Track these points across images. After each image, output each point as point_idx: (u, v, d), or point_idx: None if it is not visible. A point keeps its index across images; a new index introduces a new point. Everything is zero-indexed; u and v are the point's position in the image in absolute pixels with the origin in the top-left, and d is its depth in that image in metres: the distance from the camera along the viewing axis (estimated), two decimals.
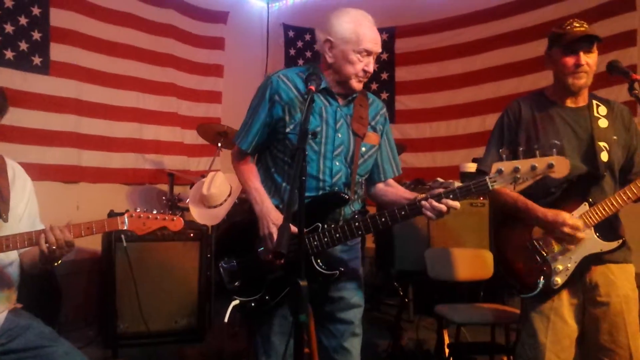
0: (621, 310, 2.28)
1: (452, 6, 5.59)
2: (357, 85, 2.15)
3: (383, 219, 2.04)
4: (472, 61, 5.48)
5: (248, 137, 2.22)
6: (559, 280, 2.27)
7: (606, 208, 2.26)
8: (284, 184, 2.17)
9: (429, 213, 2.00)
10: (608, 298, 2.29)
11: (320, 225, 2.08)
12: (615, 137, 2.35)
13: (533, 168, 1.91)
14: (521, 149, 2.00)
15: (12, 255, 2.20)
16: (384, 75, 5.99)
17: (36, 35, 4.34)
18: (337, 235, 2.07)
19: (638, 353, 2.25)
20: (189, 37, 5.55)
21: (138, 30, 5.06)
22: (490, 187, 1.95)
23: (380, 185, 2.35)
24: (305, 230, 2.05)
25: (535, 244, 2.32)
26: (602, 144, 2.32)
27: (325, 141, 2.14)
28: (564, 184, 2.31)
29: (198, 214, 3.97)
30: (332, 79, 2.17)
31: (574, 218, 2.24)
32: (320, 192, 2.14)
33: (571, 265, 2.27)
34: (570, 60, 2.29)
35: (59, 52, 4.46)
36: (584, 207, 2.28)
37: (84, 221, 2.14)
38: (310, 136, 2.09)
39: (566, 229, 2.20)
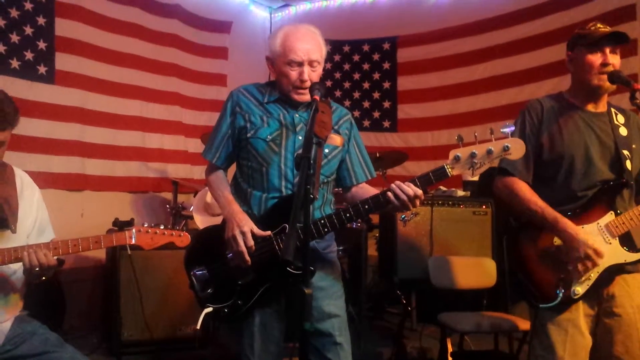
0: (635, 321, 2.26)
1: (453, 16, 5.63)
2: (296, 97, 2.18)
3: (347, 214, 2.07)
4: (473, 70, 5.53)
5: (212, 149, 2.31)
6: (579, 290, 2.21)
7: (634, 219, 2.22)
8: (249, 190, 2.22)
9: (393, 198, 1.98)
10: (623, 309, 2.26)
11: (287, 226, 2.05)
12: (634, 146, 2.33)
13: (489, 152, 1.91)
14: (475, 134, 1.96)
15: (17, 264, 2.21)
16: (386, 84, 6.03)
17: (41, 44, 4.39)
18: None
19: None
20: (192, 46, 5.60)
21: (142, 40, 5.10)
22: (449, 174, 1.95)
23: (354, 189, 2.37)
24: (272, 232, 2.10)
25: (558, 251, 2.25)
26: (625, 152, 2.30)
27: (285, 144, 2.18)
28: (590, 189, 2.28)
29: (202, 222, 4.00)
30: (282, 92, 2.24)
31: (600, 245, 2.19)
32: (285, 193, 2.17)
33: (593, 275, 2.21)
34: (596, 59, 2.25)
35: (63, 61, 4.50)
36: (610, 215, 2.24)
37: (88, 228, 2.18)
38: (269, 140, 2.17)
39: (590, 252, 2.14)
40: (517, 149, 1.92)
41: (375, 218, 4.46)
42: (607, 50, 2.25)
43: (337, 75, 6.17)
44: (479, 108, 5.44)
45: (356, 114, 6.02)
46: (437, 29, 5.73)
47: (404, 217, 4.07)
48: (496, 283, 3.62)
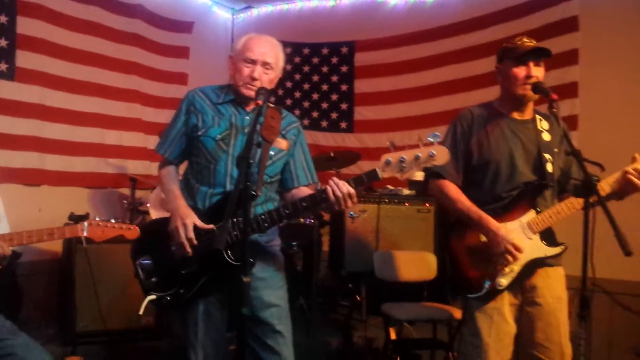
0: (554, 310, 2.46)
1: (408, 23, 5.81)
2: (245, 91, 2.36)
3: (287, 211, 2.23)
4: (426, 76, 5.71)
5: (165, 144, 2.46)
6: (504, 281, 2.41)
7: (553, 216, 2.42)
8: (196, 185, 2.38)
9: (331, 194, 2.12)
10: (544, 299, 2.46)
11: (230, 220, 2.19)
12: (556, 150, 2.53)
13: (417, 157, 2.06)
14: (407, 141, 2.13)
15: None
16: (344, 87, 6.19)
17: (2, 42, 4.42)
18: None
19: (567, 349, 2.45)
20: (154, 45, 5.65)
21: (103, 39, 5.15)
22: (380, 176, 2.11)
23: (294, 191, 2.52)
24: (215, 225, 2.24)
25: (483, 247, 2.44)
26: (547, 155, 2.49)
27: (234, 143, 2.35)
28: (514, 191, 2.47)
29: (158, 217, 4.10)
30: (235, 90, 2.41)
31: (521, 241, 2.39)
32: (229, 189, 2.32)
33: (516, 268, 2.41)
34: (520, 72, 2.43)
35: (24, 58, 4.54)
36: (531, 213, 2.44)
37: (45, 223, 2.29)
38: (219, 139, 2.32)
39: (510, 247, 2.35)
40: (441, 155, 2.07)
41: (326, 215, 4.65)
42: (532, 64, 2.45)
43: (297, 76, 6.32)
44: (430, 111, 5.63)
45: (315, 114, 6.20)
46: (393, 35, 5.90)
47: (352, 214, 4.27)
48: (437, 275, 3.83)
